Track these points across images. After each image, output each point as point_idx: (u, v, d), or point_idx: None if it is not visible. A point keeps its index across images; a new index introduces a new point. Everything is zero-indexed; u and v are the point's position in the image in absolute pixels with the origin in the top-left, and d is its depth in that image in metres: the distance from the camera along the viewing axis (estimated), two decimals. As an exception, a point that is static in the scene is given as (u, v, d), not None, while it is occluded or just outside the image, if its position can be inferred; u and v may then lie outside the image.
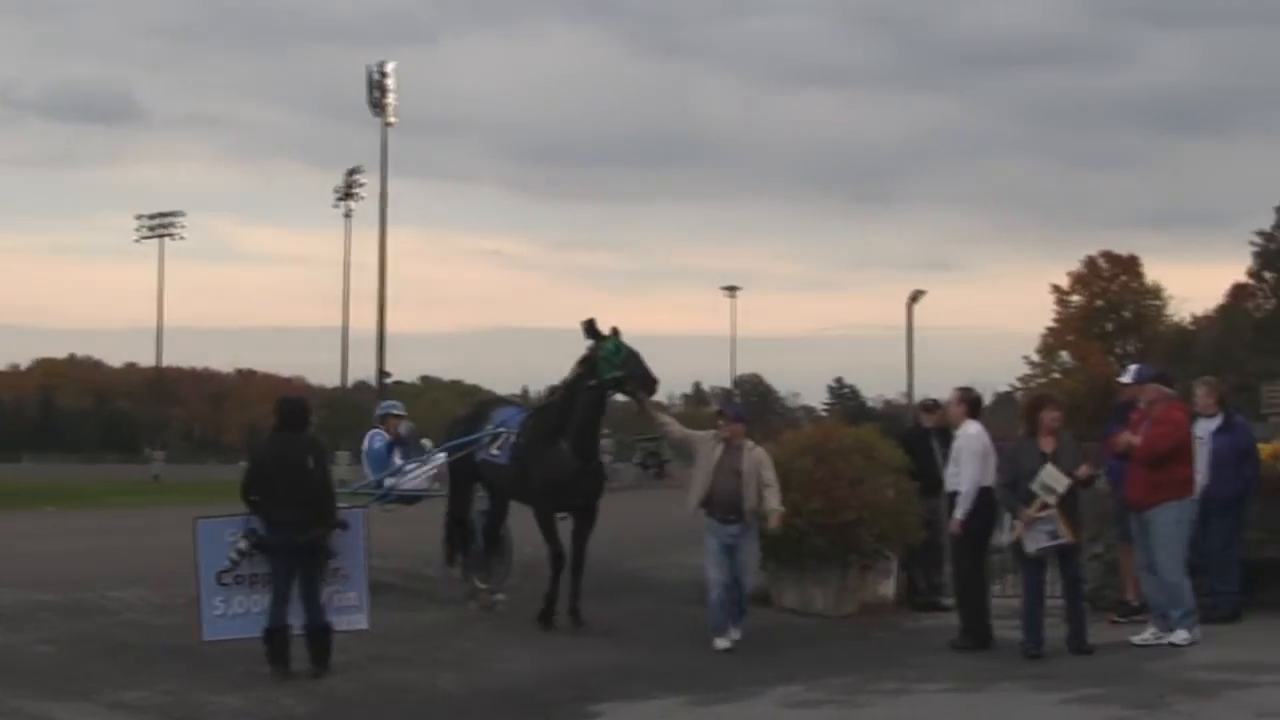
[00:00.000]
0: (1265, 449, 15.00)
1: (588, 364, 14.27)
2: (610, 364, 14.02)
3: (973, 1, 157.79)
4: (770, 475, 13.56)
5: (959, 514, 13.35)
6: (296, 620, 11.72)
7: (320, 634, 11.75)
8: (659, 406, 15.04)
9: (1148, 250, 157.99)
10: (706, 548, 13.78)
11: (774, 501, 13.53)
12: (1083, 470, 12.69)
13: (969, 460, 13.44)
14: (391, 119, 66.18)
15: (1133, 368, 15.07)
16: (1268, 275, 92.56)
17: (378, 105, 66.47)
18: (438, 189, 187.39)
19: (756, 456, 13.61)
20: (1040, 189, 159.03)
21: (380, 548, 16.16)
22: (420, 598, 15.98)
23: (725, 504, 13.51)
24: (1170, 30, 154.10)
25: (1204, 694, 10.41)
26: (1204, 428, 13.82)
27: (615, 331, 14.18)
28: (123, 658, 12.18)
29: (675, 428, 15.09)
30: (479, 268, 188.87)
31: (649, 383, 14.21)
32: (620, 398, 14.82)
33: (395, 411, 17.59)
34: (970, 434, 13.63)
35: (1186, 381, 15.26)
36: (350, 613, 12.21)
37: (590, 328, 14.23)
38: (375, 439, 17.07)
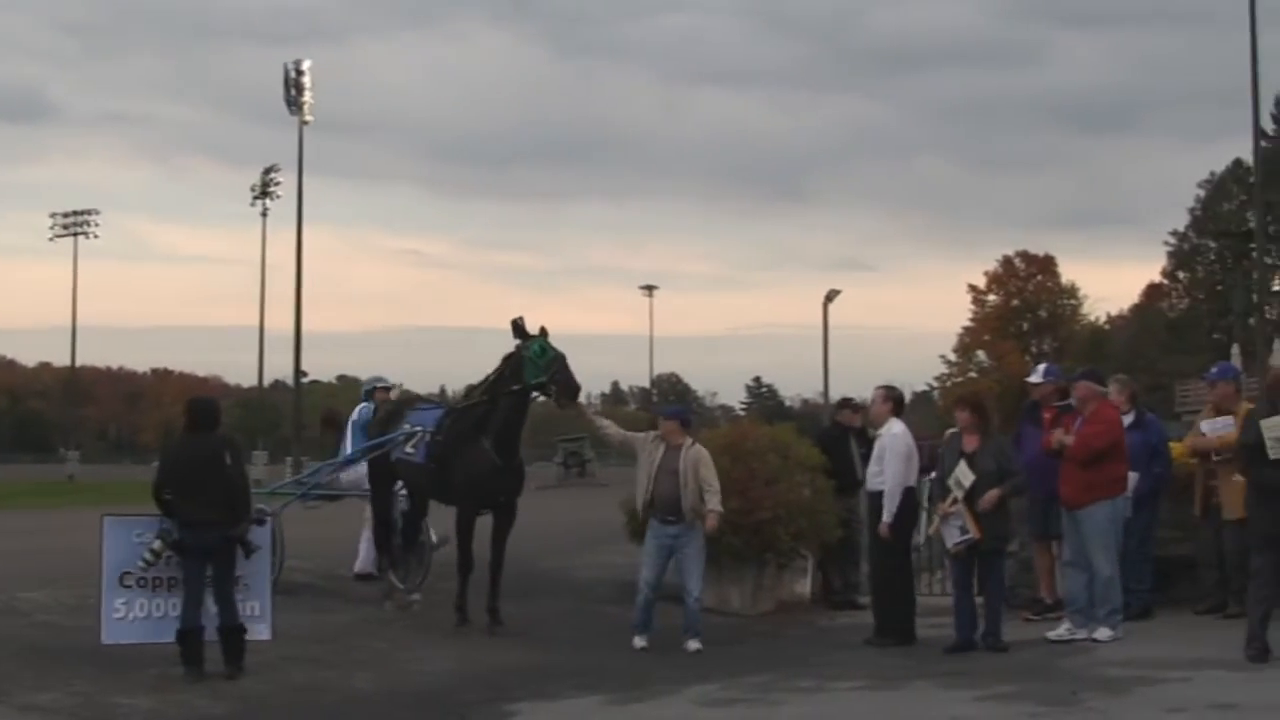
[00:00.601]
0: (1177, 447, 15.16)
1: (512, 363, 14.25)
2: (535, 367, 13.96)
3: (886, 3, 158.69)
4: (709, 475, 13.46)
5: (886, 515, 13.38)
6: (209, 622, 11.65)
7: (234, 634, 11.67)
8: (590, 409, 15.01)
9: (1063, 250, 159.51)
10: (644, 547, 13.80)
11: (713, 502, 13.43)
12: (985, 498, 12.83)
13: (894, 459, 13.49)
14: (308, 118, 65.79)
15: (1040, 367, 15.22)
16: (1182, 275, 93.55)
17: (294, 104, 65.98)
18: (354, 188, 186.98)
19: (694, 455, 13.52)
20: (955, 189, 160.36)
21: (296, 548, 16.14)
22: (335, 598, 15.94)
23: (665, 504, 13.48)
24: (1080, 31, 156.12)
25: (1115, 691, 10.49)
26: (1116, 425, 13.94)
27: (544, 332, 14.16)
28: (34, 659, 12.05)
29: (614, 430, 15.02)
30: (395, 267, 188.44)
31: (571, 390, 14.16)
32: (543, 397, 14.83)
33: (382, 384, 17.47)
34: (895, 433, 13.67)
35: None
36: (252, 623, 12.11)
37: (518, 327, 14.21)
38: (364, 411, 16.99)
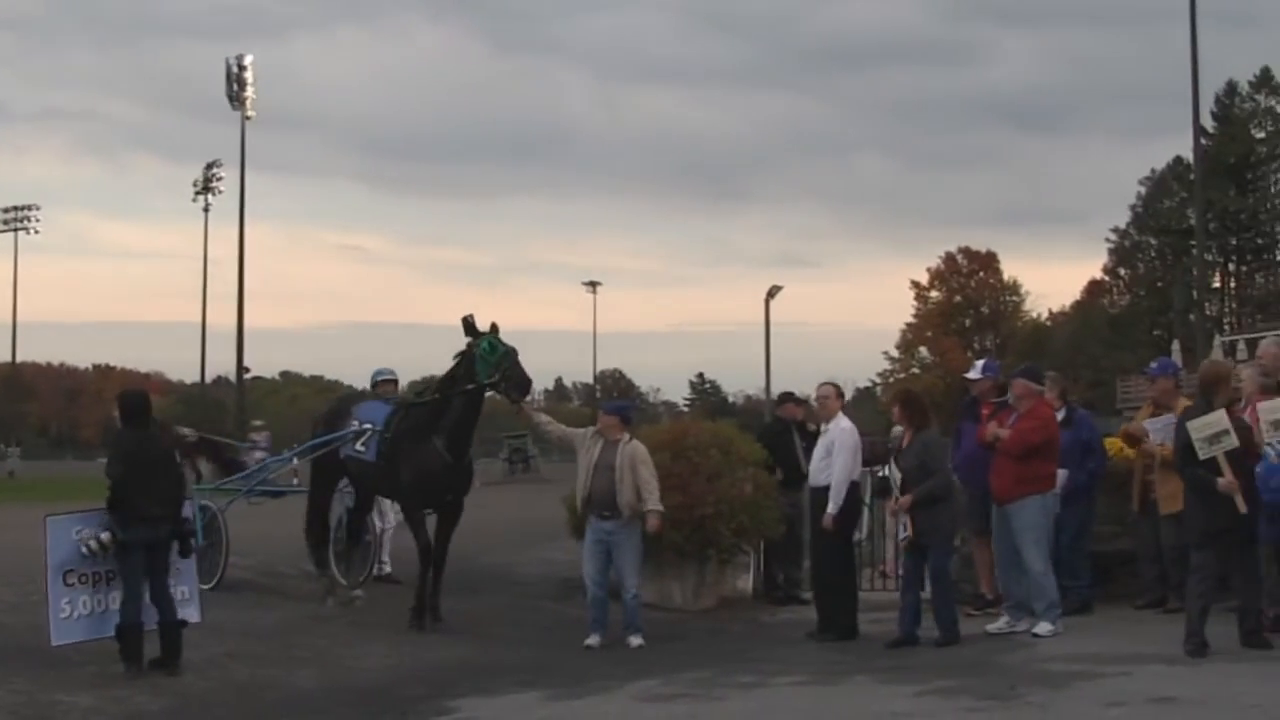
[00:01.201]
0: (1112, 443, 15.27)
1: (465, 362, 14.23)
2: (486, 364, 13.92)
3: (825, 2, 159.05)
4: (647, 473, 13.41)
5: (832, 508, 13.40)
6: (148, 617, 11.59)
7: (174, 630, 11.61)
8: (532, 405, 14.99)
9: (1005, 247, 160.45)
10: (585, 545, 13.80)
11: (652, 502, 13.39)
12: (900, 501, 12.89)
13: (843, 453, 13.52)
14: (251, 113, 65.48)
15: (979, 363, 15.31)
16: (1123, 272, 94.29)
17: (236, 99, 65.73)
18: (296, 184, 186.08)
19: (630, 452, 13.46)
20: (896, 186, 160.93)
21: (237, 545, 16.05)
22: (277, 595, 15.87)
23: (601, 500, 13.44)
24: (1019, 30, 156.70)
25: (1054, 685, 10.53)
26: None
27: (494, 329, 14.13)
28: (-25, 657, 11.97)
29: (554, 427, 15.00)
30: (338, 263, 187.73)
31: (523, 385, 14.12)
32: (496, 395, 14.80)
33: (387, 377, 17.14)
34: (844, 428, 13.71)
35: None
36: (182, 606, 12.03)
37: (469, 325, 14.18)
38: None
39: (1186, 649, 11.30)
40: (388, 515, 16.42)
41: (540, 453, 54.27)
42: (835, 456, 13.53)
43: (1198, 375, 12.57)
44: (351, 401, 16.14)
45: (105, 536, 11.58)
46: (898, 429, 14.01)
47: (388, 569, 16.63)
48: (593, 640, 13.37)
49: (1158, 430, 13.80)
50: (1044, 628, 12.79)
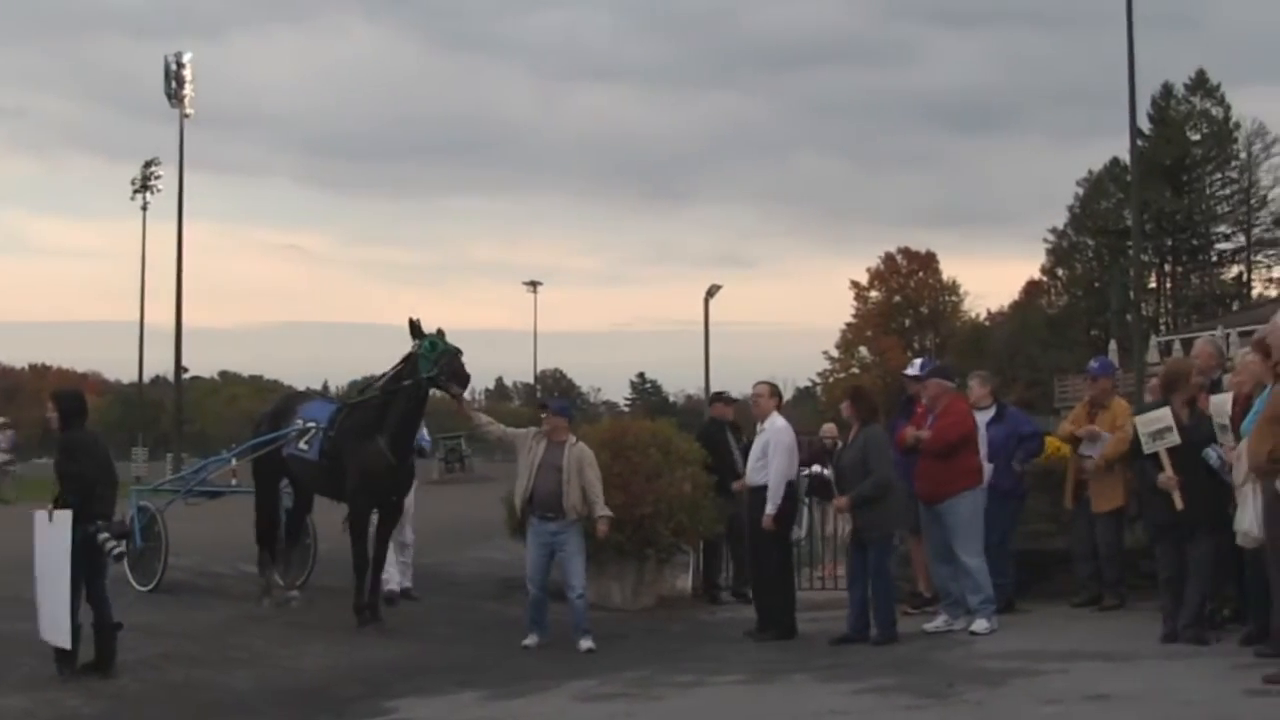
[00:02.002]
0: (1050, 441, 15.36)
1: (409, 363, 14.18)
2: (427, 361, 13.92)
3: (761, 2, 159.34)
4: (593, 477, 13.38)
5: (770, 508, 13.40)
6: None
7: (109, 632, 11.50)
8: (472, 405, 14.91)
9: (944, 247, 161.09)
10: (528, 545, 13.73)
11: (600, 507, 13.35)
12: (836, 502, 12.92)
13: (779, 453, 13.51)
14: (189, 111, 64.93)
15: (918, 361, 15.39)
16: (1061, 272, 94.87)
17: (175, 97, 65.09)
18: (234, 183, 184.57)
19: (577, 453, 13.42)
20: (834, 186, 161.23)
21: (173, 545, 15.93)
22: (213, 595, 15.78)
23: (545, 501, 13.37)
24: (955, 31, 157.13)
25: (991, 683, 10.56)
26: (979, 420, 14.10)
27: (440, 333, 14.12)
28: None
29: (495, 427, 14.89)
30: (277, 262, 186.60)
31: (461, 378, 14.11)
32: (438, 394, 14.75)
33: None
34: (779, 427, 13.72)
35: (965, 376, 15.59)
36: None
37: (415, 327, 14.16)
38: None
39: (1164, 637, 11.61)
40: (406, 530, 15.79)
41: (475, 452, 54.55)
42: (771, 456, 13.52)
43: (1160, 372, 12.66)
44: (296, 400, 16.06)
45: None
46: (827, 426, 14.04)
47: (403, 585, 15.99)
48: (531, 640, 13.31)
49: (1091, 448, 13.95)
50: (981, 624, 12.84)
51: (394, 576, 15.54)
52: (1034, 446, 14.49)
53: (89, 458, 11.58)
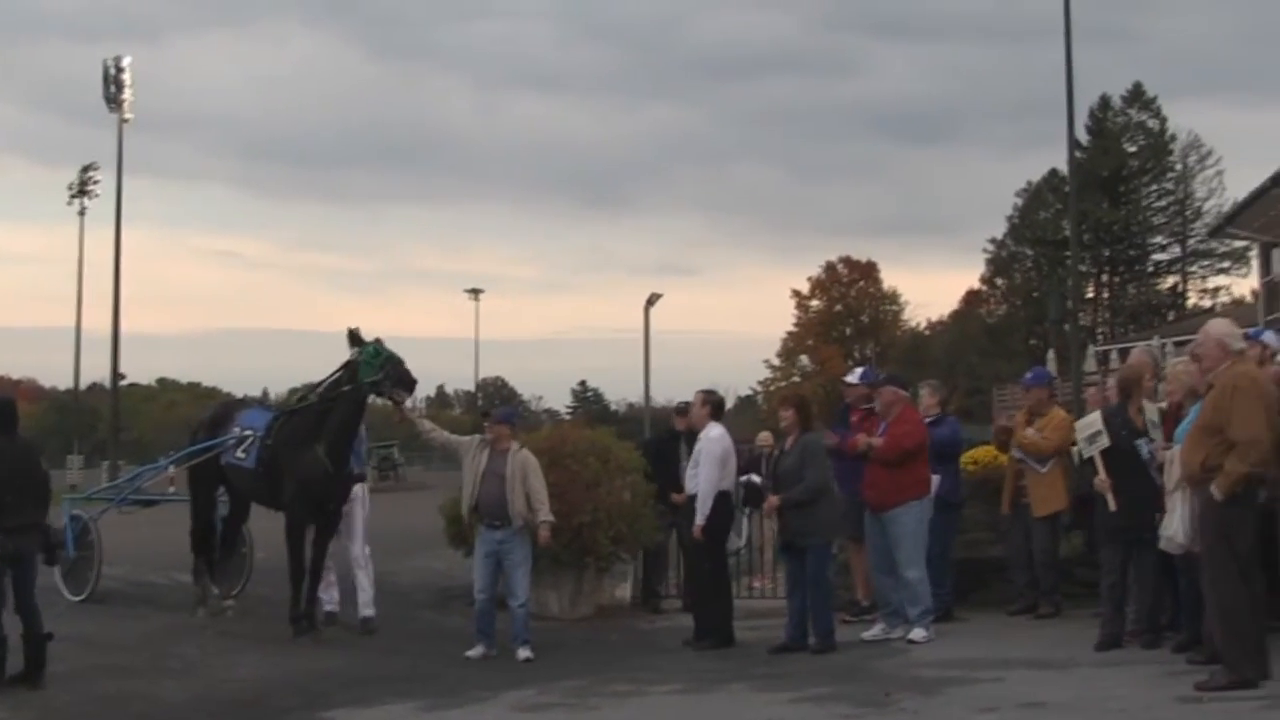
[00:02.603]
0: (985, 450, 15.45)
1: (348, 369, 14.10)
2: (370, 367, 13.86)
3: (705, 11, 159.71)
4: (537, 483, 13.30)
5: (699, 518, 13.39)
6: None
7: (39, 642, 11.38)
8: (409, 412, 14.79)
9: (884, 257, 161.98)
10: (475, 554, 13.67)
11: (543, 513, 13.27)
12: (767, 504, 12.93)
13: (707, 463, 13.51)
14: (128, 115, 64.40)
15: (858, 369, 15.43)
16: (1000, 282, 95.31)
17: (114, 101, 64.56)
18: (173, 188, 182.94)
19: (521, 460, 13.34)
20: (775, 196, 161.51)
21: (106, 554, 15.79)
22: (147, 604, 15.66)
23: (490, 509, 13.30)
24: (894, 43, 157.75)
25: (928, 691, 10.59)
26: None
27: (379, 341, 14.07)
28: None
29: (438, 434, 14.78)
30: (216, 268, 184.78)
31: (407, 382, 14.03)
32: (376, 402, 14.65)
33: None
34: (711, 437, 13.68)
35: (917, 385, 15.63)
36: None
37: (354, 336, 14.07)
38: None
39: (1099, 645, 11.76)
40: (355, 551, 15.09)
41: (409, 461, 54.57)
42: (700, 466, 13.55)
43: (1116, 377, 12.76)
44: (234, 408, 15.94)
45: None
46: (763, 434, 14.04)
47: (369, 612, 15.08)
48: (475, 651, 13.23)
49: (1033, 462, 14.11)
50: (919, 634, 12.88)
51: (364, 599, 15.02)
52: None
53: (8, 468, 11.43)
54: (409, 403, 14.76)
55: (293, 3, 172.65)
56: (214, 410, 16.32)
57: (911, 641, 12.81)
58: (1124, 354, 50.95)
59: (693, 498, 13.62)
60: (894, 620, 13.18)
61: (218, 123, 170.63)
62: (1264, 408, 9.77)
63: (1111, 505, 11.71)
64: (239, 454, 14.68)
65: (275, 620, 14.08)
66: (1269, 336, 13.00)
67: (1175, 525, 10.83)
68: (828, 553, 13.41)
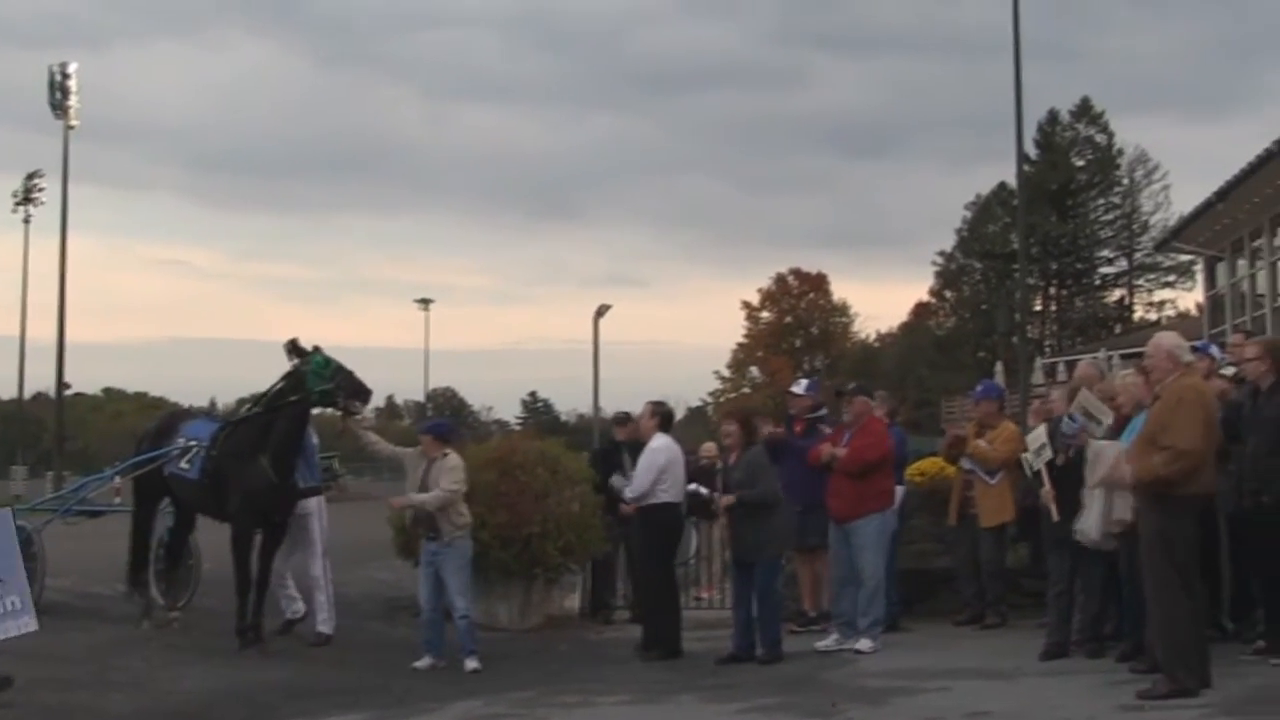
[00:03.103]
0: (933, 462, 15.54)
1: (293, 379, 14.01)
2: (319, 377, 13.77)
3: (648, 23, 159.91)
4: (447, 481, 13.18)
5: (628, 498, 13.70)
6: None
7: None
8: (360, 424, 14.72)
9: (835, 269, 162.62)
10: (420, 566, 13.67)
11: (426, 497, 13.15)
12: (721, 500, 12.96)
13: (642, 471, 13.64)
14: (74, 122, 64.02)
15: (803, 381, 15.50)
16: (949, 294, 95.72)
17: (59, 108, 64.17)
18: (119, 196, 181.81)
19: (439, 466, 13.32)
20: (725, 207, 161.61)
21: (50, 566, 15.67)
22: (92, 616, 15.53)
23: (424, 520, 13.34)
24: (842, 56, 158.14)
25: (873, 701, 10.64)
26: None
27: (317, 349, 13.99)
28: None
29: (384, 445, 14.72)
30: (163, 277, 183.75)
31: (362, 393, 13.99)
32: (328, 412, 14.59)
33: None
34: (653, 447, 13.76)
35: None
36: (16, 616, 11.66)
37: (293, 347, 14.01)
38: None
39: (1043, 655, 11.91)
40: (315, 571, 14.90)
41: (361, 472, 54.24)
42: (636, 474, 13.79)
43: (1068, 386, 12.85)
44: (179, 418, 15.85)
45: None
46: (707, 445, 14.10)
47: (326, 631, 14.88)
48: (422, 663, 13.20)
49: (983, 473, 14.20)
50: (866, 644, 12.94)
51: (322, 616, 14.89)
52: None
53: None
54: (362, 415, 14.67)
55: (239, 12, 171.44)
56: (159, 421, 16.21)
57: (858, 652, 12.86)
58: (1071, 366, 51.22)
59: (640, 508, 13.70)
60: (848, 631, 13.22)
61: (164, 131, 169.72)
62: (1205, 421, 9.87)
63: (1054, 516, 11.82)
64: (183, 465, 14.57)
65: (221, 632, 14.00)
66: (1216, 349, 13.17)
67: (1092, 521, 11.04)
68: (777, 564, 13.45)
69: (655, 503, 13.61)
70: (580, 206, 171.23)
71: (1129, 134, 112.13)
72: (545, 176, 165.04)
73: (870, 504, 13.19)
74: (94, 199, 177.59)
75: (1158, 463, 9.78)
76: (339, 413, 14.21)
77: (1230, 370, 12.53)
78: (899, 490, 13.89)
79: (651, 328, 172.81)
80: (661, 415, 14.10)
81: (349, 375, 13.83)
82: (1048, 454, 11.95)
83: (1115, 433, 11.24)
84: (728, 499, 12.99)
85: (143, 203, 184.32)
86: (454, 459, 13.46)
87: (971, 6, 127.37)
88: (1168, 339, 10.45)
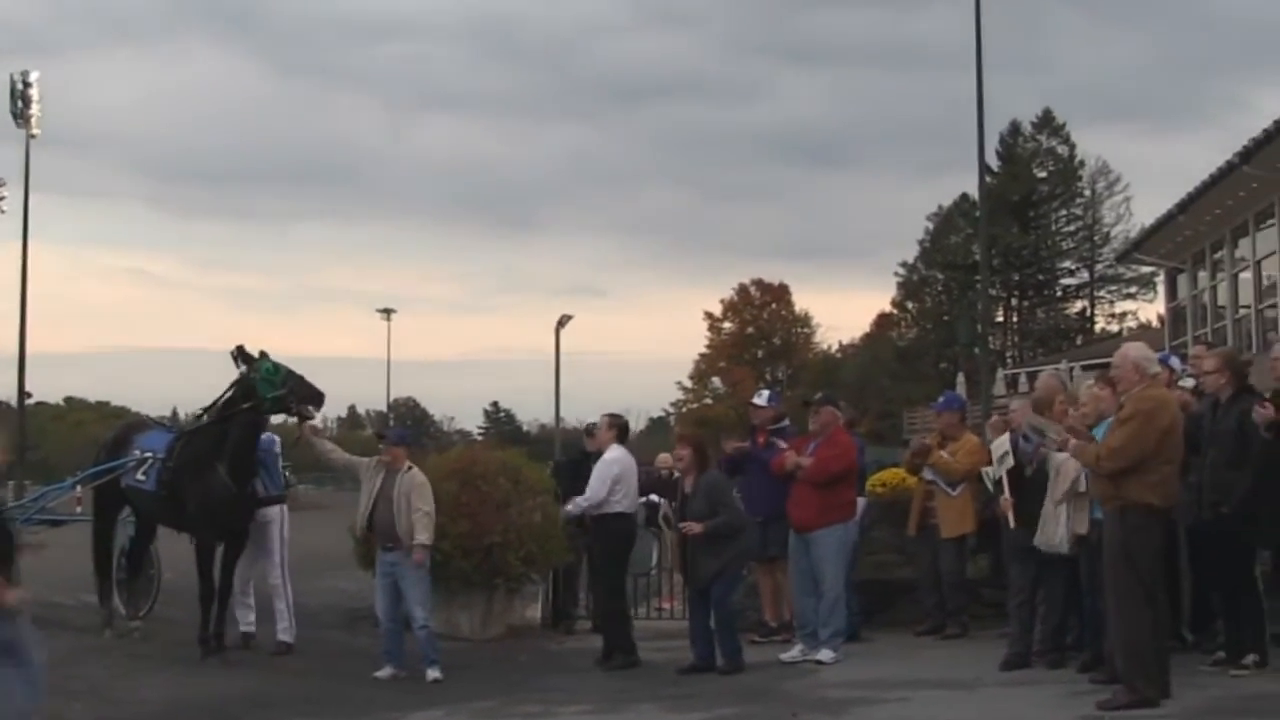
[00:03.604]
0: (894, 473, 15.59)
1: (242, 386, 13.93)
2: (270, 384, 13.68)
3: (607, 34, 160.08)
4: (420, 502, 13.20)
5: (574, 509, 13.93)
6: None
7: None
8: (316, 431, 14.67)
9: (797, 280, 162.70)
10: (376, 576, 13.63)
11: (420, 533, 13.13)
12: (686, 528, 12.97)
13: (596, 481, 13.75)
14: (35, 131, 63.73)
15: (765, 392, 15.53)
16: (911, 305, 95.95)
17: (21, 116, 63.88)
18: (80, 205, 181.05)
19: (408, 480, 13.28)
20: (688, 218, 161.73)
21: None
22: (53, 626, 15.40)
23: (382, 531, 13.29)
24: (803, 68, 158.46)
25: (834, 711, 10.68)
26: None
27: (264, 355, 13.91)
28: None
29: (338, 454, 14.66)
30: (124, 286, 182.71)
31: (314, 397, 13.94)
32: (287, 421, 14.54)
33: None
34: (607, 459, 13.86)
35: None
36: None
37: (240, 353, 13.95)
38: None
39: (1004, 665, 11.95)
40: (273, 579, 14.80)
41: (322, 481, 53.95)
42: (590, 483, 13.86)
43: (1032, 396, 12.89)
44: (135, 429, 15.75)
45: None
46: (662, 456, 14.16)
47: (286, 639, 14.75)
48: (383, 673, 13.15)
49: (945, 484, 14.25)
50: (827, 654, 12.96)
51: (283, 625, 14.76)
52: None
53: None
54: (317, 420, 14.63)
55: (198, 22, 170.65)
56: (115, 431, 16.10)
57: (819, 662, 12.89)
58: (1032, 377, 51.44)
59: (597, 518, 13.80)
60: (812, 642, 13.23)
61: (125, 141, 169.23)
62: (1165, 430, 9.92)
63: (1011, 523, 11.90)
64: (139, 476, 14.49)
65: (183, 642, 13.95)
66: (1176, 361, 13.27)
67: (1060, 534, 11.11)
68: (736, 580, 13.47)
69: (610, 512, 13.68)
70: (540, 217, 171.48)
71: (1091, 145, 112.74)
72: (505, 187, 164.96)
73: (833, 514, 13.21)
74: (55, 208, 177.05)
75: (1098, 448, 9.90)
76: (294, 419, 14.16)
77: (1190, 382, 12.62)
78: (860, 502, 13.91)
79: (613, 338, 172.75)
80: (619, 427, 14.19)
81: (299, 380, 13.75)
82: (1010, 462, 12.02)
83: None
84: (692, 528, 12.80)
85: (103, 211, 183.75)
86: (420, 475, 13.47)
87: (928, 19, 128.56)
88: (1134, 350, 10.51)
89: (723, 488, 13.19)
